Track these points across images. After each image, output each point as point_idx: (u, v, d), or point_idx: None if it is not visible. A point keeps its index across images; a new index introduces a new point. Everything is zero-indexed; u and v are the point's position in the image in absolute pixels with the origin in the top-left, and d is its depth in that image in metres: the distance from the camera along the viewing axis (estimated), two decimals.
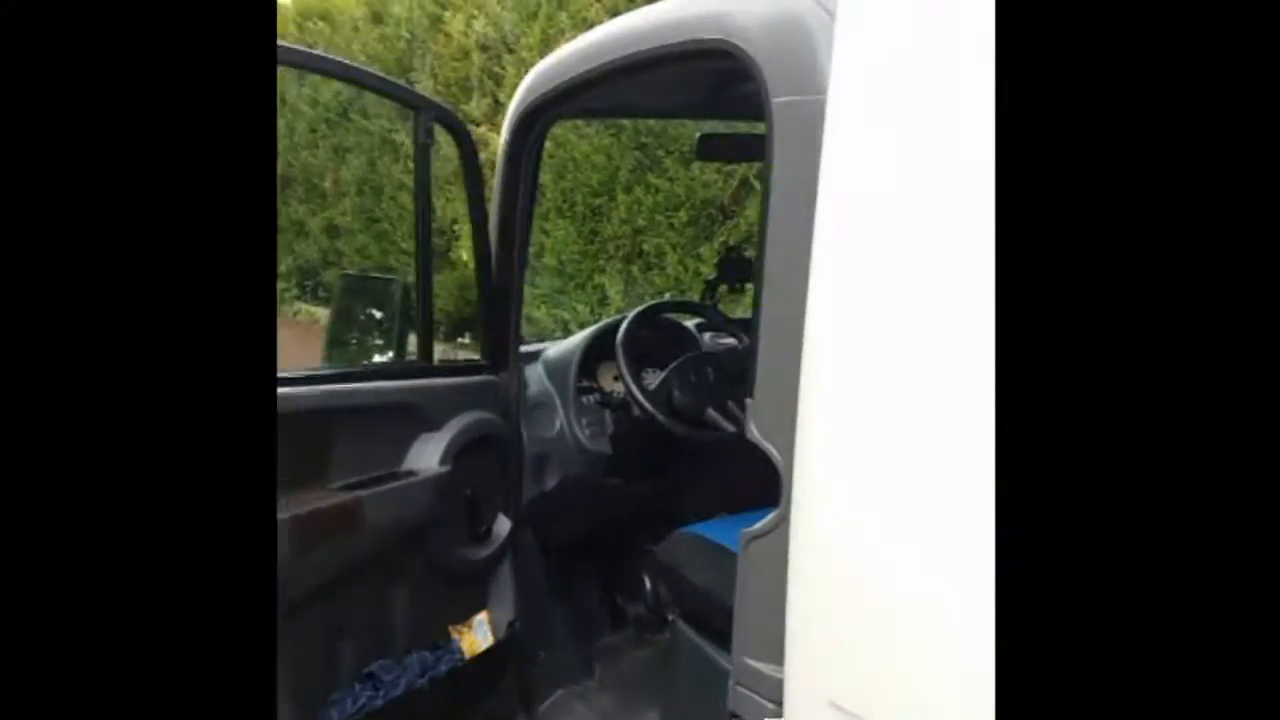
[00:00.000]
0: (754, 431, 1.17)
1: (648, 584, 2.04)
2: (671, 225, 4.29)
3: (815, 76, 1.06)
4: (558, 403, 2.10)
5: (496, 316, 1.89)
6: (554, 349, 2.19)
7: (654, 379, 2.01)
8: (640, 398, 1.93)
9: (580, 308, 4.76)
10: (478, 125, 5.07)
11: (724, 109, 1.87)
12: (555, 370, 2.12)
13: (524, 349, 2.06)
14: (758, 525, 1.17)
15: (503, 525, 1.89)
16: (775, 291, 1.15)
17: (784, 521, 1.12)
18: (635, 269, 4.54)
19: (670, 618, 1.79)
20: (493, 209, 1.84)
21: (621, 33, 1.42)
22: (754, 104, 1.16)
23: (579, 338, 2.19)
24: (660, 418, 1.91)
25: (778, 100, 1.10)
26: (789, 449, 1.11)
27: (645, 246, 4.45)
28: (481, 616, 1.85)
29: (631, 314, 2.12)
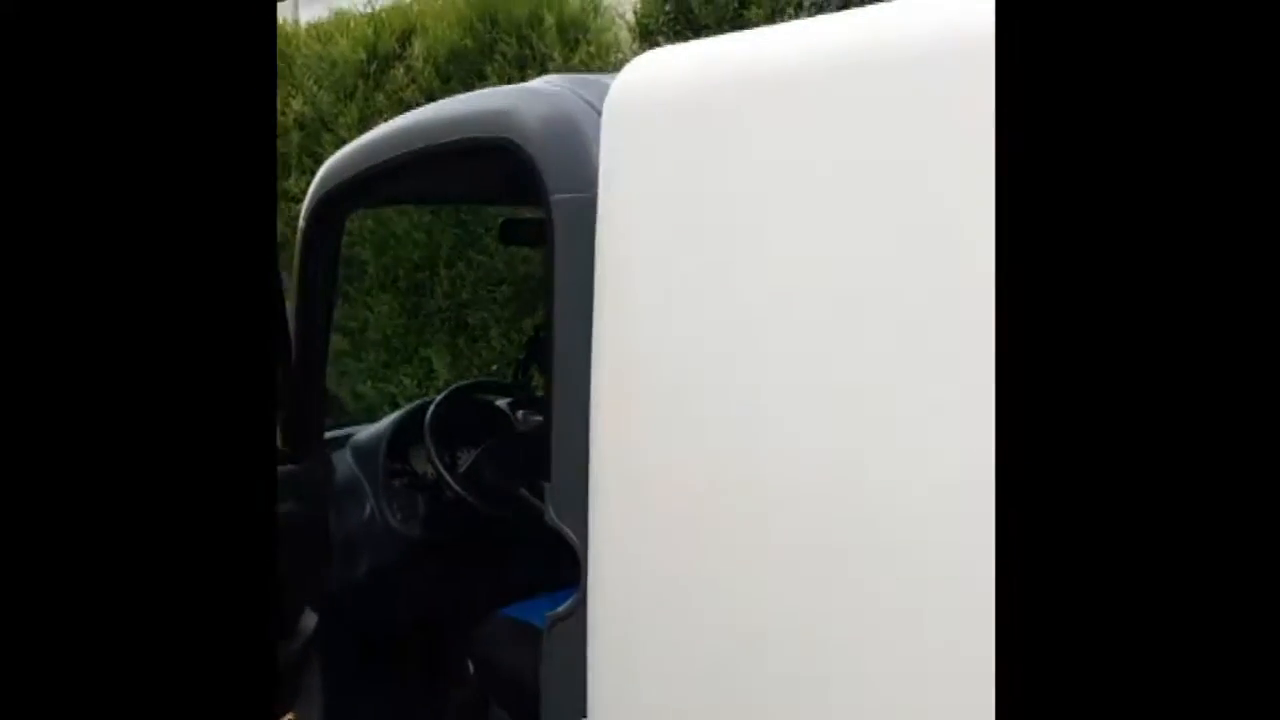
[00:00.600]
0: (552, 515, 1.19)
1: (470, 669, 2.00)
2: (494, 299, 4.30)
3: (588, 173, 1.11)
4: (367, 488, 2.05)
5: (297, 404, 1.85)
6: (362, 433, 2.15)
7: (467, 459, 2.00)
8: (449, 479, 1.91)
9: (407, 381, 4.67)
10: (297, 202, 4.94)
11: (517, 198, 1.92)
12: (364, 454, 2.08)
13: (330, 434, 2.01)
14: (560, 608, 1.18)
15: (309, 619, 1.82)
16: (563, 375, 1.18)
17: (583, 604, 1.14)
18: (461, 342, 4.51)
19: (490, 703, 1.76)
20: (292, 297, 1.80)
21: (412, 126, 1.45)
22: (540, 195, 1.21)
23: (387, 421, 2.16)
24: (471, 498, 1.90)
25: (555, 196, 1.15)
26: (585, 532, 1.13)
27: (470, 320, 4.44)
28: (288, 718, 1.77)
29: (439, 395, 2.11)
